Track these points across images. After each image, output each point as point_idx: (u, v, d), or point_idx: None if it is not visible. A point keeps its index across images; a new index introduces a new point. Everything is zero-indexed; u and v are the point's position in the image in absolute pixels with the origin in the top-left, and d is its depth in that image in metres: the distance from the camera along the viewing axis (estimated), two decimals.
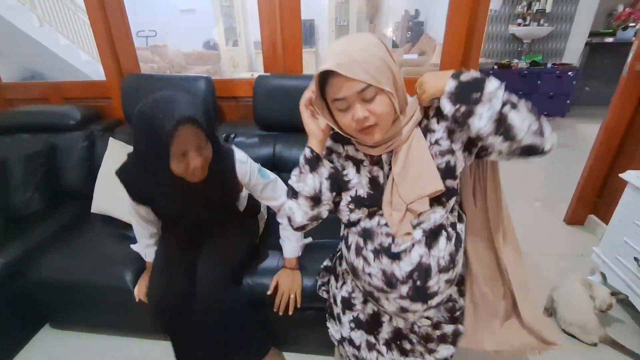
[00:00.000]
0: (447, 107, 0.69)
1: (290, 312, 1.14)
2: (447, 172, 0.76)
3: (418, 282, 0.79)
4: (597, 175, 1.99)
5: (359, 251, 0.85)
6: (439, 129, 0.77)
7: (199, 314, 1.09)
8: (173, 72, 5.14)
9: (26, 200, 1.53)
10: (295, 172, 0.84)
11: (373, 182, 0.82)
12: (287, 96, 1.58)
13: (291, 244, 1.17)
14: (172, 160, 0.88)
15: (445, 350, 0.94)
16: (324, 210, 0.85)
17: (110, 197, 1.49)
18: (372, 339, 0.97)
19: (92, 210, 1.53)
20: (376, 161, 0.82)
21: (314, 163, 0.80)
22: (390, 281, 0.80)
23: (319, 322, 1.14)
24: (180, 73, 5.07)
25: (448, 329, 0.92)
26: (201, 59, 5.76)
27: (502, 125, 0.66)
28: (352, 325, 0.99)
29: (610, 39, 4.38)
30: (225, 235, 1.19)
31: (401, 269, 0.79)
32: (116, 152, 1.55)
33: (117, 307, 1.36)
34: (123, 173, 1.04)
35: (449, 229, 0.81)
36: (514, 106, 0.65)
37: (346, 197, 0.84)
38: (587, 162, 2.02)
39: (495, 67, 4.28)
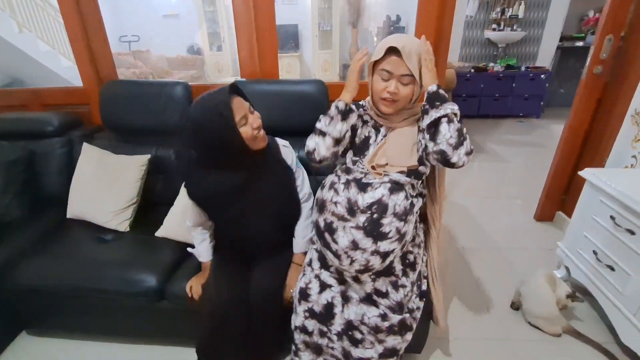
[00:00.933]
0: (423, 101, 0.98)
1: None
2: (420, 160, 1.02)
3: (375, 215, 0.95)
4: (563, 173, 2.09)
5: (332, 185, 1.04)
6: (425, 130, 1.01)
7: (245, 320, 1.12)
8: (156, 77, 5.12)
9: (5, 207, 1.52)
10: (324, 119, 1.03)
11: (365, 140, 1.08)
12: (264, 101, 1.62)
13: (301, 240, 1.23)
14: (239, 127, 0.98)
15: (393, 340, 1.02)
16: (340, 149, 1.06)
17: (85, 201, 1.51)
18: (324, 328, 1.06)
19: (67, 216, 1.54)
20: (377, 127, 1.08)
21: (346, 113, 1.01)
22: (352, 209, 0.96)
23: None
24: (163, 78, 5.05)
25: (394, 319, 1.00)
26: (185, 64, 5.75)
27: (433, 127, 0.94)
28: (307, 314, 1.07)
29: (580, 43, 4.57)
30: (279, 253, 1.23)
31: (364, 199, 0.96)
32: (90, 158, 1.56)
33: (95, 310, 1.37)
34: (186, 177, 1.13)
35: (408, 192, 1.01)
36: (449, 121, 0.92)
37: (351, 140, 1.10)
38: (554, 161, 2.12)
39: (472, 70, 4.40)
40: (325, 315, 1.05)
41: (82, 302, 1.35)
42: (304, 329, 1.09)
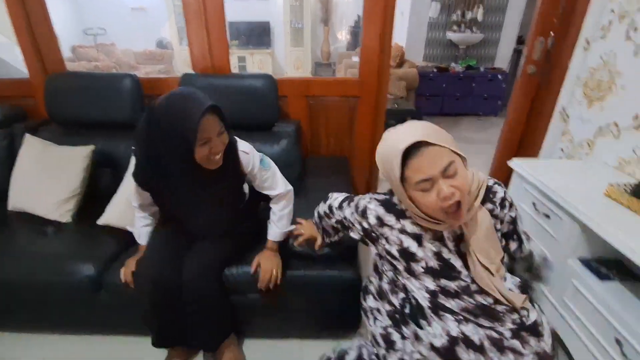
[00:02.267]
0: None
1: (272, 287, 1.19)
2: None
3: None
4: (502, 167, 2.21)
5: (499, 344, 0.75)
6: (502, 217, 0.89)
7: (180, 297, 1.14)
8: (119, 70, 5.00)
9: None
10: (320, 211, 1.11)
11: (439, 256, 0.81)
12: (214, 94, 1.64)
13: (276, 229, 1.24)
14: (196, 146, 0.93)
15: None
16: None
17: (26, 193, 1.49)
18: None
19: (8, 208, 1.52)
20: (438, 237, 0.81)
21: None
22: None
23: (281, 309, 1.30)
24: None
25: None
26: (153, 58, 5.65)
27: None
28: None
29: None
30: (221, 232, 1.25)
31: (547, 343, 0.77)
32: (33, 149, 1.54)
33: (39, 304, 1.35)
34: (136, 169, 1.08)
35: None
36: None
37: (417, 268, 0.82)
38: (495, 155, 2.26)
39: (435, 70, 4.56)
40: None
41: (24, 296, 1.32)
42: None
